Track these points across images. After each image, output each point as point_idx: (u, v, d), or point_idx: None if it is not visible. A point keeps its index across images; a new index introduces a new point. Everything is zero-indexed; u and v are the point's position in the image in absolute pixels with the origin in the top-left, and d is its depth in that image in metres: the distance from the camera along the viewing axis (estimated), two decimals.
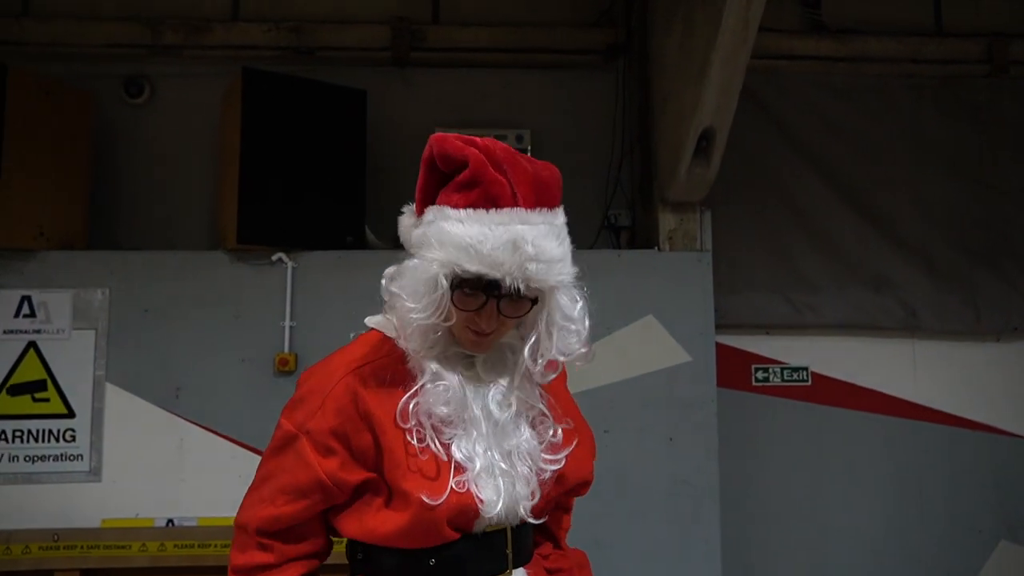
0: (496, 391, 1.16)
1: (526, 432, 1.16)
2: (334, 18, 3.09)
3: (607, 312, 2.65)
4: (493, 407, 1.15)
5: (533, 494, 1.15)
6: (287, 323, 2.64)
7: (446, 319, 1.10)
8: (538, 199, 1.12)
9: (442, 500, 1.09)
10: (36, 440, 2.52)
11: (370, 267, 1.29)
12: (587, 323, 1.16)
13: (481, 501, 1.11)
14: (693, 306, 2.70)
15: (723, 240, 2.93)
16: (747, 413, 3.01)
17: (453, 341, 1.15)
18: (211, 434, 2.58)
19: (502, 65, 3.12)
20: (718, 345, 2.78)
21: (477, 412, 1.14)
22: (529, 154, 3.01)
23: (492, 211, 1.08)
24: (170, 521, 2.50)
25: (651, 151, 2.88)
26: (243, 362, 2.62)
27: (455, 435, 1.12)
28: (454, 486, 1.10)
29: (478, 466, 1.11)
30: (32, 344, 2.56)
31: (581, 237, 3.01)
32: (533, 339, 1.14)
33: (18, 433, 2.52)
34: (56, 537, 2.39)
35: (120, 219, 3.01)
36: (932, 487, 3.05)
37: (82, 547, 2.39)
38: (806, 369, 3.06)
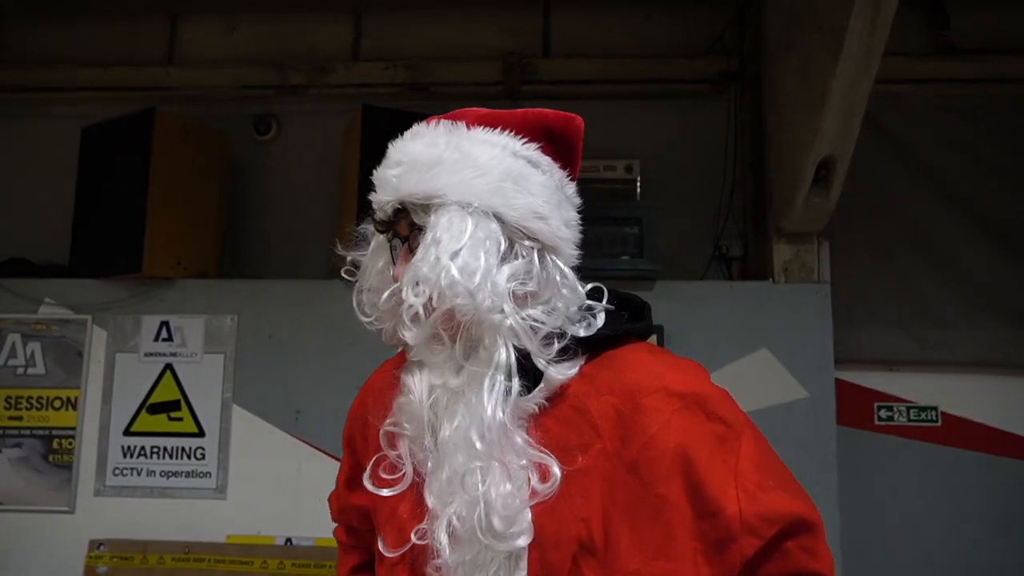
0: (460, 402, 0.89)
1: (488, 461, 0.84)
2: (448, 55, 3.20)
3: (719, 344, 2.60)
4: (447, 428, 0.88)
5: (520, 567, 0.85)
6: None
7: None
8: (469, 120, 0.93)
9: (399, 552, 0.89)
10: (171, 457, 2.69)
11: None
12: (451, 257, 0.85)
13: (440, 568, 0.86)
14: (810, 340, 2.60)
15: (842, 272, 2.81)
16: (869, 453, 2.86)
17: None
18: (326, 457, 2.68)
19: (611, 96, 3.13)
20: (837, 381, 2.67)
21: (443, 433, 0.88)
22: (639, 184, 3.04)
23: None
24: (288, 540, 2.61)
25: (765, 180, 2.81)
26: (357, 388, 2.72)
27: (428, 467, 0.90)
28: (414, 536, 0.88)
29: (436, 512, 0.87)
30: (169, 366, 2.74)
31: (691, 268, 2.97)
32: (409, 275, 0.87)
33: (155, 449, 2.70)
34: (187, 550, 2.54)
35: (248, 249, 3.19)
36: None
37: (209, 560, 2.53)
38: (935, 409, 2.88)
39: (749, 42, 3.00)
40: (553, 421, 0.90)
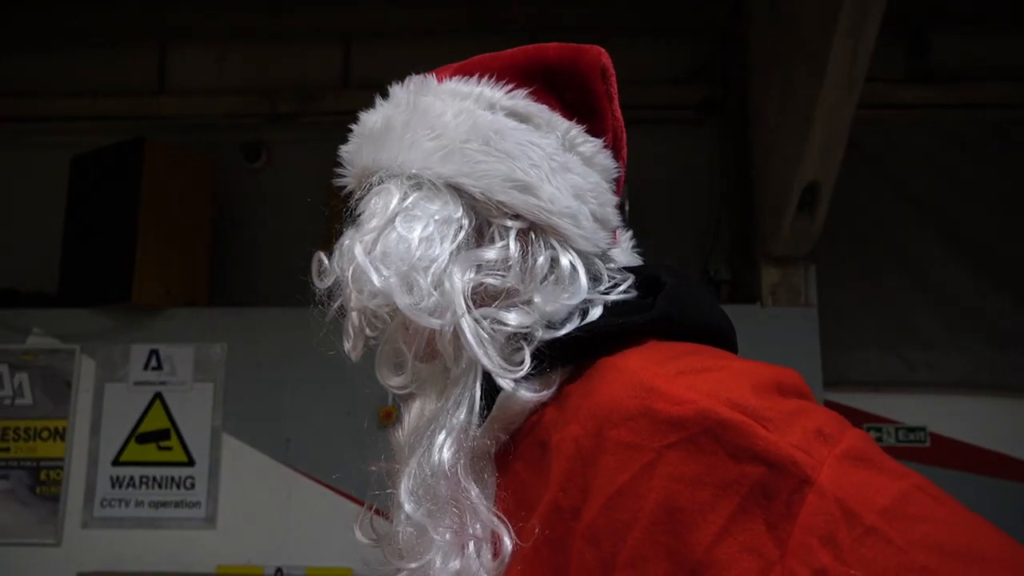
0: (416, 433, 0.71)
1: (443, 535, 0.65)
2: None
3: None
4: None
5: None
6: None
7: None
8: (445, 71, 0.74)
9: None
10: (160, 487, 2.67)
11: None
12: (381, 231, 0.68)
13: None
14: (799, 362, 2.60)
15: (829, 295, 2.84)
16: None
17: None
18: (318, 484, 2.67)
19: None
20: (826, 403, 2.68)
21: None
22: (627, 208, 3.07)
23: None
24: (279, 570, 2.59)
25: (751, 205, 2.84)
26: (348, 415, 2.71)
27: None
28: None
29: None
30: (158, 395, 2.73)
31: None
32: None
33: (144, 479, 2.68)
34: None
35: (238, 277, 3.19)
36: None
37: None
38: (924, 429, 2.90)
39: (733, 68, 3.04)
40: (522, 464, 0.66)
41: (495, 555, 0.62)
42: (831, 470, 0.53)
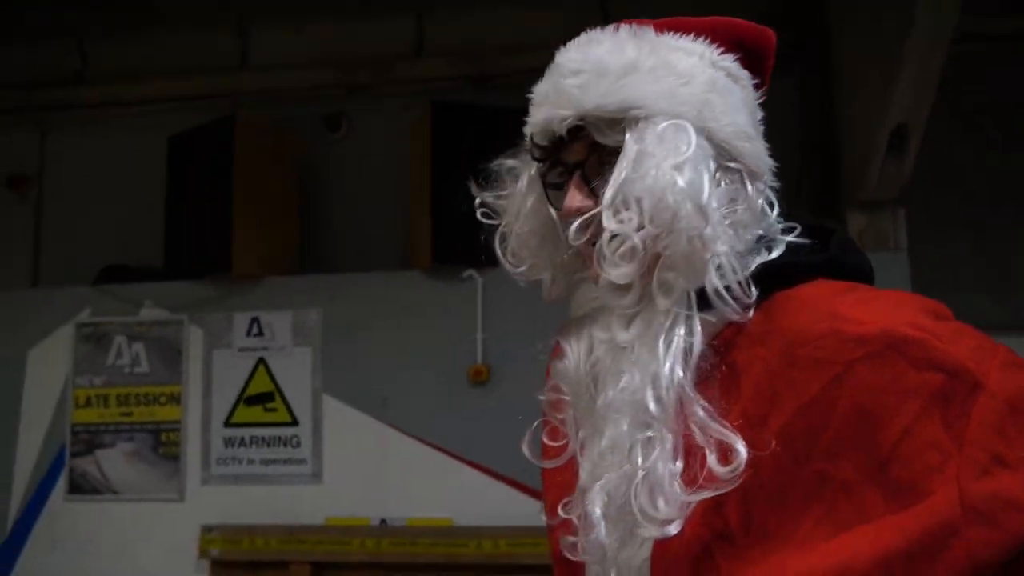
0: (626, 360, 0.74)
1: (659, 431, 0.70)
2: (509, 46, 3.24)
3: None
4: (609, 387, 0.75)
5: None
6: (479, 335, 2.80)
7: (553, 237, 0.80)
8: (656, 26, 0.78)
9: (555, 522, 0.79)
10: (268, 445, 2.84)
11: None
12: (705, 193, 0.71)
13: (576, 545, 0.75)
14: None
15: (921, 239, 2.78)
16: None
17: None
18: (415, 441, 2.79)
19: None
20: None
21: (599, 401, 0.75)
22: None
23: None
24: (383, 520, 2.74)
25: (837, 151, 2.78)
26: (440, 373, 2.82)
27: (585, 435, 0.78)
28: (560, 510, 0.77)
29: (584, 486, 0.75)
30: (261, 360, 2.89)
31: None
32: (609, 194, 0.73)
33: (254, 439, 2.86)
34: (290, 533, 2.69)
35: (327, 244, 3.32)
36: None
37: (311, 542, 2.67)
38: None
39: (814, 9, 2.96)
40: (707, 383, 0.73)
41: (722, 460, 0.69)
42: (997, 375, 0.64)
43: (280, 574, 2.67)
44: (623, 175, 0.73)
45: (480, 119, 2.84)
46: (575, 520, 0.75)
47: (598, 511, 0.72)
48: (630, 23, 0.78)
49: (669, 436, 0.70)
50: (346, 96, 3.36)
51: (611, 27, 0.79)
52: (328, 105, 3.38)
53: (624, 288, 0.74)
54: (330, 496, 2.80)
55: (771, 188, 0.80)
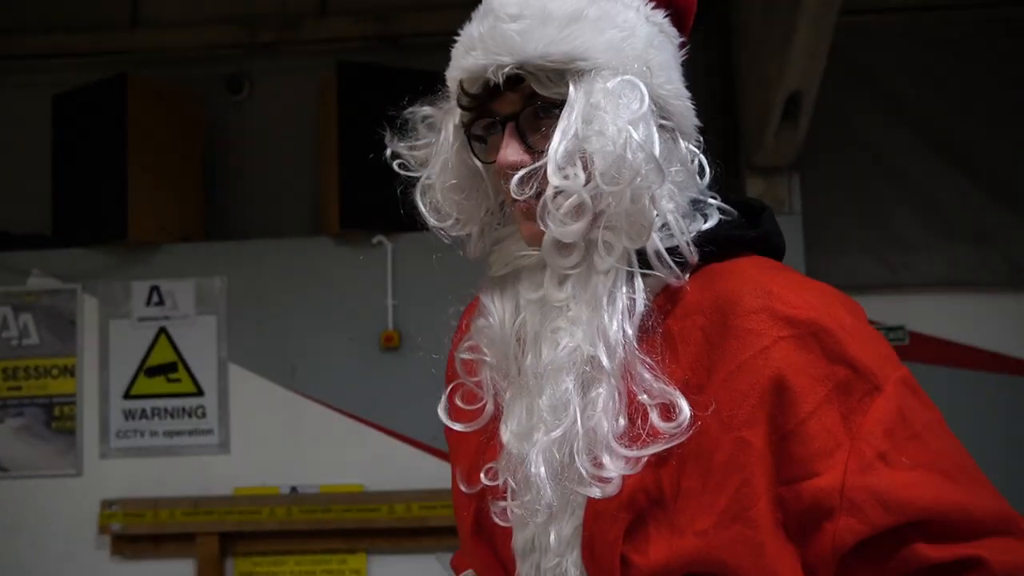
0: (562, 319, 0.73)
1: (603, 388, 0.70)
2: (417, 4, 3.19)
3: None
4: (545, 349, 0.73)
5: (579, 516, 0.72)
6: (390, 302, 2.79)
7: (478, 190, 0.78)
8: None
9: (475, 489, 0.77)
10: (172, 417, 2.76)
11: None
12: (655, 146, 0.70)
13: (506, 511, 0.74)
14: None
15: (813, 203, 2.91)
16: None
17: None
18: (326, 408, 2.77)
19: None
20: None
21: (527, 360, 0.74)
22: None
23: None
24: (293, 488, 2.71)
25: (735, 117, 2.88)
26: (351, 340, 2.79)
27: (506, 398, 0.77)
28: (483, 476, 0.76)
29: (511, 450, 0.74)
30: (163, 330, 2.79)
31: None
32: (555, 145, 0.70)
33: (156, 411, 2.77)
34: (196, 504, 2.63)
35: (230, 210, 3.21)
36: None
37: (219, 512, 2.62)
38: (903, 328, 3.02)
39: None
40: (646, 342, 0.73)
41: (664, 417, 0.70)
42: (893, 387, 0.71)
43: (186, 546, 2.62)
44: (573, 129, 0.70)
45: (389, 80, 2.80)
46: (502, 485, 0.74)
47: (543, 471, 0.70)
48: None
49: (617, 392, 0.70)
50: (248, 56, 3.23)
51: None
52: (229, 65, 3.25)
53: (567, 247, 0.72)
54: (238, 466, 2.75)
55: (701, 150, 0.80)
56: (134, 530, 2.63)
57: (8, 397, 2.78)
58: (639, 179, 0.70)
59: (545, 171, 0.71)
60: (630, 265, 0.73)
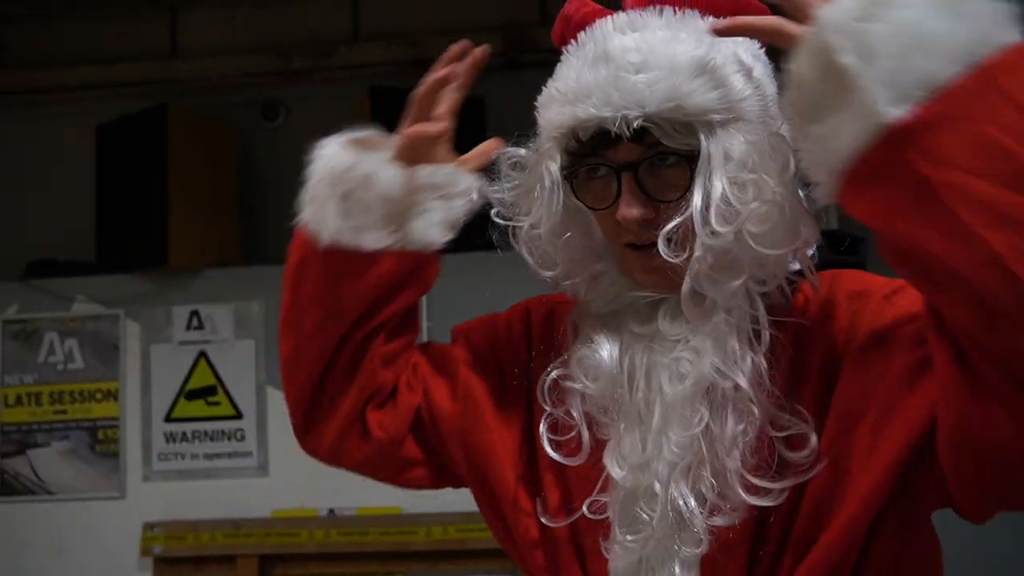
0: (682, 349, 0.72)
1: (733, 420, 0.70)
2: (447, 30, 3.22)
3: None
4: (665, 381, 0.72)
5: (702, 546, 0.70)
6: (424, 323, 2.79)
7: (580, 232, 0.77)
8: (699, 7, 0.74)
9: (562, 522, 0.77)
10: (211, 440, 2.80)
11: (508, 267, 0.99)
12: (797, 195, 0.69)
13: (608, 541, 0.73)
14: None
15: None
16: None
17: (634, 285, 0.77)
18: None
19: None
20: None
21: (638, 393, 0.73)
22: None
23: (582, 35, 0.76)
24: (331, 511, 2.73)
25: None
26: None
27: (612, 431, 0.75)
28: (586, 510, 0.75)
29: (626, 484, 0.72)
30: (203, 353, 2.84)
31: None
32: (700, 204, 0.70)
33: (196, 434, 2.81)
34: (236, 527, 2.66)
35: (267, 235, 3.26)
36: None
37: (258, 535, 2.65)
38: None
39: None
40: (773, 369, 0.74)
41: (794, 447, 0.70)
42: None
43: (227, 569, 2.64)
44: (720, 188, 0.69)
45: None
46: (610, 518, 0.73)
47: (692, 502, 0.69)
48: (667, 3, 0.74)
49: (747, 422, 0.70)
50: (282, 83, 3.30)
51: (650, 9, 0.74)
52: (264, 93, 3.31)
53: (701, 295, 0.72)
54: (277, 489, 2.77)
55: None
56: (175, 552, 2.66)
57: (54, 421, 2.84)
58: (800, 242, 0.70)
59: (682, 226, 0.71)
60: (751, 298, 0.72)
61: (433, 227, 0.83)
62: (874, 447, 0.68)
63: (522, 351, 0.86)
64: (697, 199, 0.70)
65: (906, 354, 0.69)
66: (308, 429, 0.92)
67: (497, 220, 0.82)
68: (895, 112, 0.56)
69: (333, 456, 0.93)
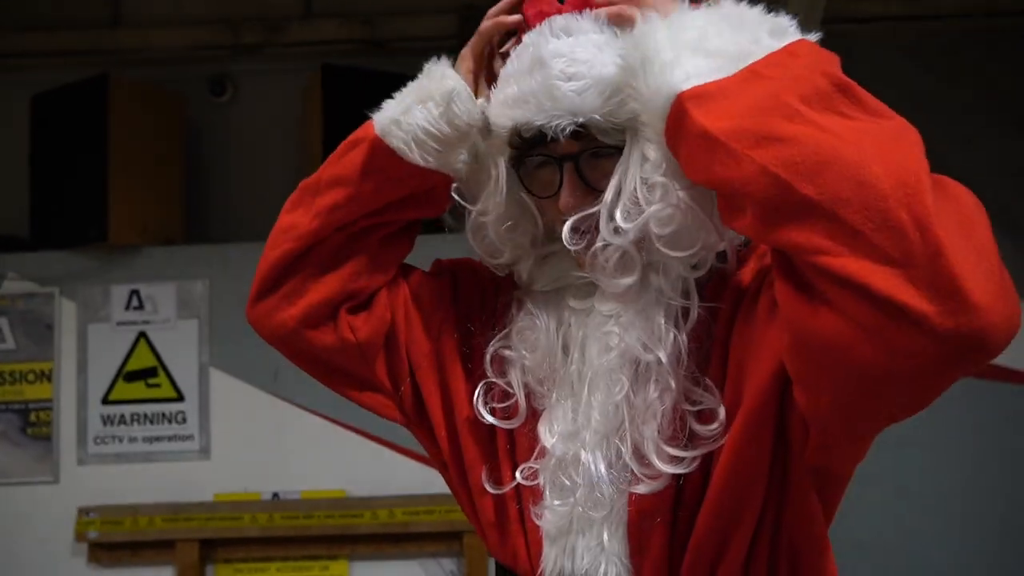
0: (613, 324, 0.76)
1: (653, 392, 0.73)
2: (403, 9, 3.18)
3: None
4: (594, 353, 0.76)
5: (620, 520, 0.76)
6: None
7: (527, 220, 0.81)
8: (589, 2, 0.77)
9: (504, 489, 0.81)
10: (151, 422, 2.72)
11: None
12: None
13: (539, 516, 0.78)
14: None
15: None
16: None
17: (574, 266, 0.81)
18: (308, 413, 2.74)
19: None
20: None
21: (572, 366, 0.78)
22: None
23: (526, 36, 0.79)
24: (275, 494, 2.68)
25: None
26: None
27: (547, 400, 0.80)
28: (519, 476, 0.80)
29: (556, 451, 0.77)
30: (142, 334, 2.75)
31: None
32: (610, 200, 0.74)
33: (135, 416, 2.73)
34: (176, 511, 2.59)
35: (212, 212, 3.18)
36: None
37: (199, 519, 2.59)
38: None
39: None
40: (694, 344, 0.78)
41: (701, 420, 0.74)
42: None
43: (166, 554, 2.58)
44: (631, 186, 0.73)
45: (373, 84, 2.78)
46: (540, 485, 0.78)
47: (602, 468, 0.73)
48: (589, 4, 0.77)
49: (667, 394, 0.74)
50: (231, 57, 3.21)
51: (569, 13, 0.78)
52: (212, 67, 3.22)
53: (625, 271, 0.76)
54: (219, 472, 2.71)
55: None
56: (111, 538, 2.59)
57: None
58: (699, 246, 0.74)
59: (599, 217, 0.75)
60: (685, 279, 0.76)
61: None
62: (748, 386, 0.73)
63: (471, 297, 0.91)
64: (609, 195, 0.74)
65: (767, 293, 0.73)
66: (261, 299, 0.94)
67: (459, 199, 0.87)
68: (683, 86, 0.67)
69: (280, 340, 0.95)
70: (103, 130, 2.72)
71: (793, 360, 0.67)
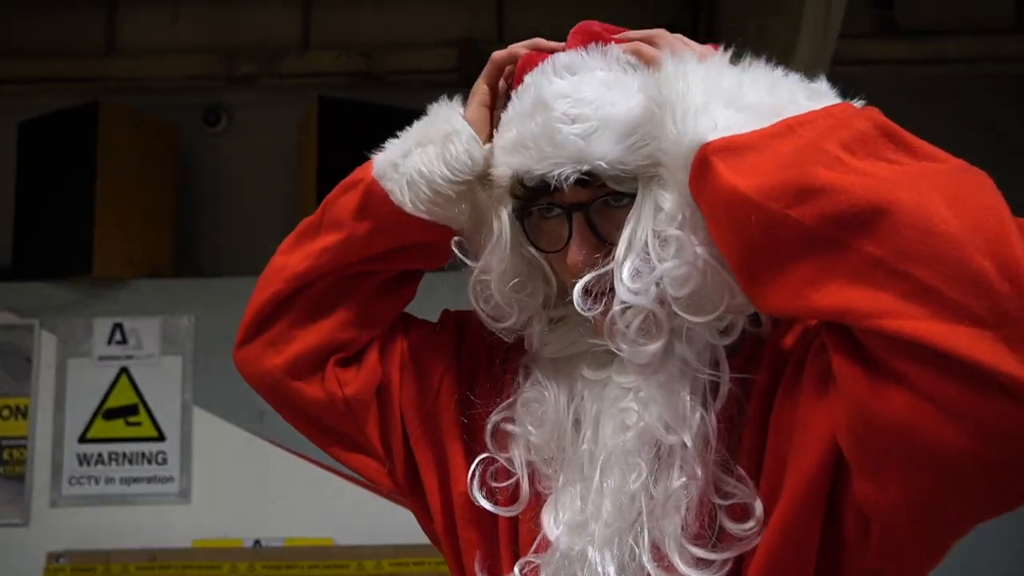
0: (631, 399, 0.67)
1: (677, 480, 0.64)
2: (401, 42, 3.14)
3: None
4: (608, 432, 0.66)
5: None
6: None
7: (537, 278, 0.72)
8: (594, 37, 0.71)
9: None
10: (130, 463, 2.61)
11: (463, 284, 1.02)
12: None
13: None
14: None
15: None
16: None
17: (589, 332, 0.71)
18: (294, 456, 2.63)
19: None
20: None
21: (583, 445, 0.68)
22: None
23: (527, 76, 0.72)
24: (257, 542, 2.56)
25: None
26: None
27: (554, 484, 0.70)
28: (518, 572, 0.70)
29: (560, 545, 0.67)
30: (124, 370, 2.65)
31: None
32: (622, 257, 0.66)
33: (113, 456, 2.61)
34: (152, 557, 2.46)
35: (203, 245, 3.10)
36: None
37: (176, 567, 2.46)
38: None
39: (703, 27, 3.01)
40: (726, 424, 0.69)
41: (734, 517, 0.63)
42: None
43: None
44: (642, 242, 0.64)
45: (370, 117, 2.73)
46: None
47: (611, 571, 0.62)
48: (589, 40, 0.71)
49: (693, 484, 0.63)
50: (226, 88, 3.15)
51: (577, 50, 0.71)
52: (206, 97, 3.17)
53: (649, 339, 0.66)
54: (200, 517, 2.59)
55: None
56: None
57: None
58: (724, 308, 0.63)
59: (613, 277, 0.66)
60: (714, 347, 0.66)
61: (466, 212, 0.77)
62: (790, 475, 0.62)
63: (476, 356, 0.82)
64: (621, 250, 0.66)
65: (814, 361, 0.62)
66: (247, 343, 0.86)
67: (460, 255, 0.77)
68: (709, 135, 0.59)
69: (266, 389, 0.86)
70: (91, 158, 2.65)
71: (854, 446, 0.55)
